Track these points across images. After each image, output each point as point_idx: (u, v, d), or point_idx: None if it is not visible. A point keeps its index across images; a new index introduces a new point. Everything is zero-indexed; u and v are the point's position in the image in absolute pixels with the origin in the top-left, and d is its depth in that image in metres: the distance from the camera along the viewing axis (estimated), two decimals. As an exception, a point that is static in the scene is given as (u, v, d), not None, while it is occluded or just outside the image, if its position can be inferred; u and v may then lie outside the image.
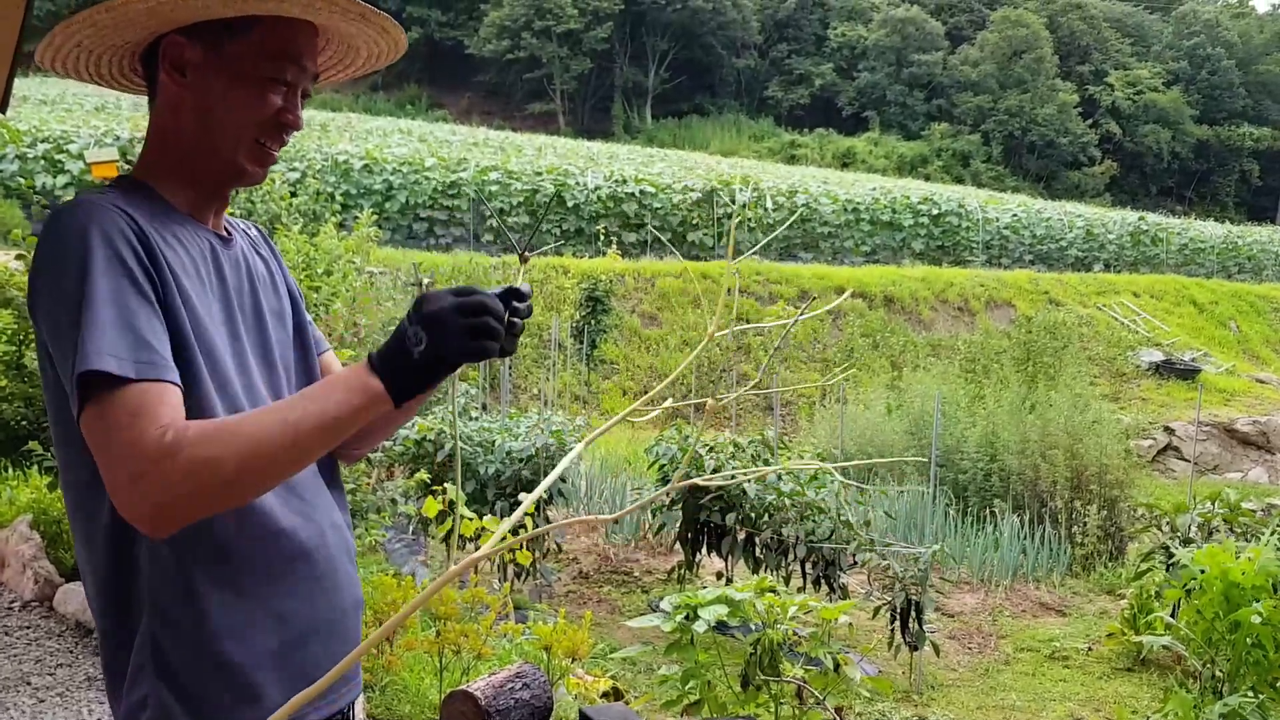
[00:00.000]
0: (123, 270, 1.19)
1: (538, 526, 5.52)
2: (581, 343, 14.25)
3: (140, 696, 1.25)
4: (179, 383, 1.19)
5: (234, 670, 1.26)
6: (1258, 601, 3.91)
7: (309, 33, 1.37)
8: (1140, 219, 28.33)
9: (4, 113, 4.36)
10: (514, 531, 4.69)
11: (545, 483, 1.08)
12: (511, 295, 1.28)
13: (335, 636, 1.38)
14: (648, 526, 7.61)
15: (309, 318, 1.59)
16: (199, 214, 1.39)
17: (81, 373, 1.13)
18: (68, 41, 1.34)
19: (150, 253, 1.23)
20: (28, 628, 4.56)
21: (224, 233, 1.43)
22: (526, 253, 1.33)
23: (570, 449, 6.15)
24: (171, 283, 1.24)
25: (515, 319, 1.27)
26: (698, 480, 1.20)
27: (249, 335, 1.39)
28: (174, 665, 1.24)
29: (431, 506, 4.18)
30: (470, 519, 4.67)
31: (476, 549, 4.05)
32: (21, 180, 15.73)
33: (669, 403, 1.30)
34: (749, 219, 20.49)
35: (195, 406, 1.23)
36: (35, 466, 5.79)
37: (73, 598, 4.61)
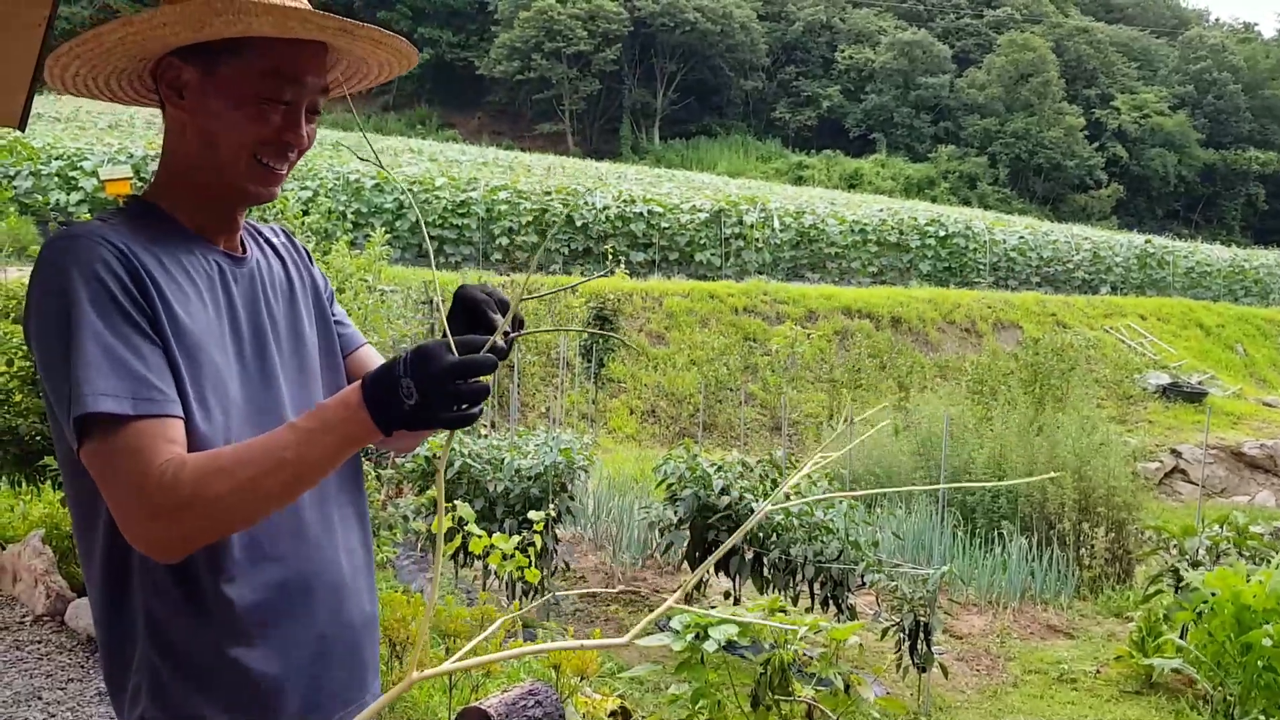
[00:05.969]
0: (112, 305, 1.18)
1: (545, 545, 5.53)
2: (589, 361, 14.28)
3: (137, 717, 1.23)
4: (180, 414, 1.19)
5: (231, 692, 1.24)
6: (1269, 624, 3.90)
7: (311, 49, 1.32)
8: (1147, 242, 28.34)
9: (22, 131, 4.42)
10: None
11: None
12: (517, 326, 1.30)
13: (340, 658, 1.35)
14: (655, 545, 7.61)
15: (341, 311, 1.56)
16: (210, 233, 1.36)
17: (78, 416, 1.14)
18: (65, 72, 1.33)
19: (139, 282, 1.21)
20: (39, 642, 4.58)
21: (238, 250, 1.40)
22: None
23: (578, 467, 6.18)
24: (162, 312, 1.22)
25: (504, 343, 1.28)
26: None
27: (266, 352, 1.36)
28: (169, 688, 1.22)
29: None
30: (479, 536, 4.69)
31: (485, 566, 4.04)
32: (37, 197, 15.87)
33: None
34: (757, 239, 20.54)
35: (189, 435, 1.22)
36: (49, 481, 5.82)
37: (84, 613, 4.63)
